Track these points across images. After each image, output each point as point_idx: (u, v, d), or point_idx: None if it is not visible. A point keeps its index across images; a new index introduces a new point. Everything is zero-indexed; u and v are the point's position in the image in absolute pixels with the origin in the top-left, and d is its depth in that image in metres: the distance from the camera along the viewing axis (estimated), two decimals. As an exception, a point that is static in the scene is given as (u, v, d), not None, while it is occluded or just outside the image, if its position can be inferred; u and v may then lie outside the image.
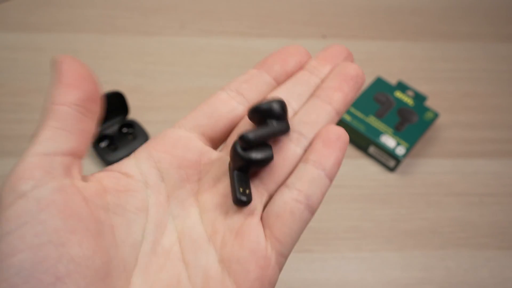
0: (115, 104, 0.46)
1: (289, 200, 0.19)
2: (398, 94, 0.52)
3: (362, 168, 0.49)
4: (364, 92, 0.52)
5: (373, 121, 0.49)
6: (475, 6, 0.68)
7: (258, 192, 0.20)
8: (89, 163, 0.46)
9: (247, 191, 0.20)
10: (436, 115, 0.50)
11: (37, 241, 0.15)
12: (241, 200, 0.19)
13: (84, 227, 0.16)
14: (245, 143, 0.19)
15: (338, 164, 0.20)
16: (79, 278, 0.15)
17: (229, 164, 0.21)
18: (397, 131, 0.49)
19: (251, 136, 0.19)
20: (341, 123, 0.49)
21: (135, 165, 0.20)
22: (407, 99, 0.52)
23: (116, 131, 0.47)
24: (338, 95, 0.22)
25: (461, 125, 0.54)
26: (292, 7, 0.65)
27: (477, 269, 0.43)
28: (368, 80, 0.57)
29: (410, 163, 0.50)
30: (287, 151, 0.21)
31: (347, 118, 0.49)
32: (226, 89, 0.22)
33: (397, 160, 0.47)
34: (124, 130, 0.48)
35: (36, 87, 0.51)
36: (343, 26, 0.63)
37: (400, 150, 0.47)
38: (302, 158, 0.21)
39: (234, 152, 0.20)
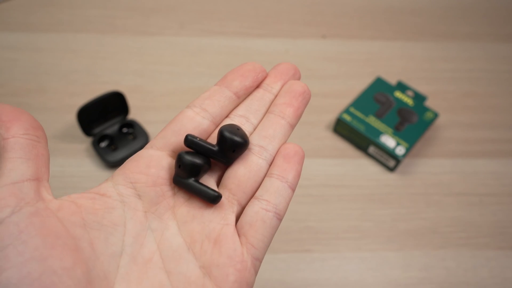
0: (115, 104, 0.46)
1: (260, 210, 0.22)
2: (398, 94, 0.52)
3: (362, 168, 0.49)
4: (364, 92, 0.52)
5: (373, 121, 0.49)
6: (475, 6, 0.68)
7: (229, 202, 0.23)
8: (90, 163, 0.46)
9: (214, 188, 0.22)
10: (436, 115, 0.50)
11: (21, 259, 0.17)
12: (218, 196, 0.22)
13: (62, 243, 0.18)
14: (187, 141, 0.22)
15: (298, 176, 0.24)
16: (62, 287, 0.17)
17: (175, 180, 0.22)
18: (397, 131, 0.49)
19: (190, 136, 0.22)
20: (341, 123, 0.49)
21: (112, 186, 0.22)
22: (407, 99, 0.52)
23: (116, 131, 0.47)
24: (290, 110, 0.25)
25: (461, 125, 0.54)
26: (292, 7, 0.65)
27: (477, 269, 0.43)
28: (368, 80, 0.57)
29: (410, 163, 0.50)
30: (251, 162, 0.23)
31: (347, 118, 0.49)
32: (191, 106, 0.24)
33: (397, 160, 0.47)
34: (124, 130, 0.48)
35: (36, 87, 0.52)
36: (343, 26, 0.63)
37: (400, 150, 0.47)
38: (267, 173, 0.24)
39: (182, 158, 0.22)
